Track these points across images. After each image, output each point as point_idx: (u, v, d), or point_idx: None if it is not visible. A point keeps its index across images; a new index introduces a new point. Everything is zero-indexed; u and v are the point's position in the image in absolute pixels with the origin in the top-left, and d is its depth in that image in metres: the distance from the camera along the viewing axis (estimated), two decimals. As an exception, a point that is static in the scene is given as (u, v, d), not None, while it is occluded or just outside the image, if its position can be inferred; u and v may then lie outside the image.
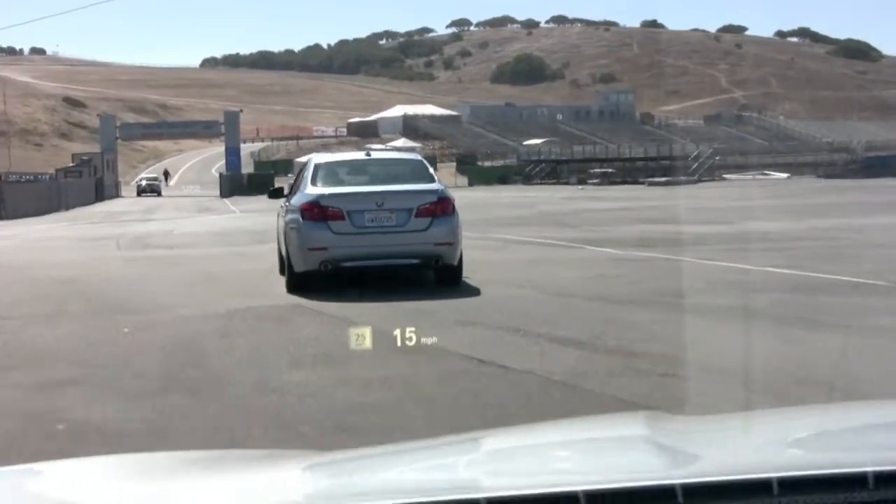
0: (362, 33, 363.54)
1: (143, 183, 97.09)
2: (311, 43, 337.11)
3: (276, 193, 19.06)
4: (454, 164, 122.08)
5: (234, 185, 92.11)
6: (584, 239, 25.03)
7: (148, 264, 21.56)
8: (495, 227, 32.18)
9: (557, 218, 37.93)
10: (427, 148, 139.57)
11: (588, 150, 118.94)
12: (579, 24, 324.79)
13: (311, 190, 15.98)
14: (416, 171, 17.21)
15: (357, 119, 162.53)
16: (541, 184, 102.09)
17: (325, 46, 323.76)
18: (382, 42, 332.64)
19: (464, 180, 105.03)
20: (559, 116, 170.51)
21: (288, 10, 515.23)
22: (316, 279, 15.43)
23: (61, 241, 31.79)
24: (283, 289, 15.53)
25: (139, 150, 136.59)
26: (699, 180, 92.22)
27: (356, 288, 15.05)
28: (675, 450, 2.64)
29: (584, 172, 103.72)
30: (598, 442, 3.03)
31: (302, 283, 15.42)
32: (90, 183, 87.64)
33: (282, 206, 17.65)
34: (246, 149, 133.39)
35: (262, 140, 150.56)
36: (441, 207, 15.93)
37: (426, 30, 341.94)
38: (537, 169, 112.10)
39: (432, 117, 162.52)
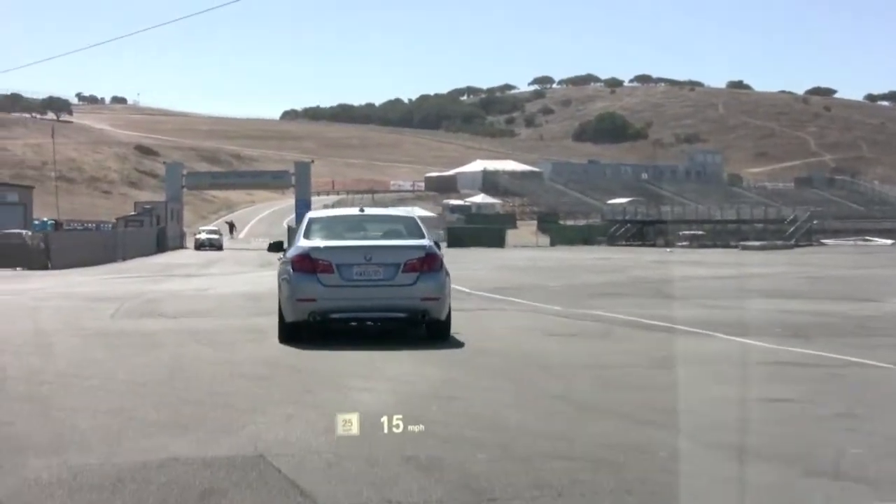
0: (444, 89, 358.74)
1: (203, 237, 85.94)
2: (392, 97, 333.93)
3: (276, 247, 18.94)
4: (535, 222, 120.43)
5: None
6: (706, 320, 18.92)
7: (118, 346, 15.85)
8: (587, 298, 26.19)
9: (657, 287, 31.86)
10: (507, 205, 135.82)
11: (677, 210, 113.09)
12: (663, 84, 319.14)
13: (303, 243, 16.50)
14: (406, 228, 17.47)
15: (435, 173, 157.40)
16: (626, 245, 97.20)
17: (405, 101, 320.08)
18: (464, 98, 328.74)
19: (545, 240, 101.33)
20: (644, 175, 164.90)
21: (370, 65, 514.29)
22: (306, 330, 15.84)
23: (60, 301, 26.36)
24: (263, 416, 9.69)
25: (210, 200, 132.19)
26: (796, 245, 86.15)
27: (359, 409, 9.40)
28: None
29: (672, 234, 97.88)
30: None
31: (292, 333, 15.85)
32: (151, 233, 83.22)
33: (279, 259, 17.82)
34: (319, 201, 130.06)
35: (337, 193, 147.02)
36: (428, 263, 16.10)
37: (508, 87, 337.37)
38: (622, 229, 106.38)
39: (513, 173, 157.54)
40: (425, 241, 16.51)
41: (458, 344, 15.77)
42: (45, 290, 31.28)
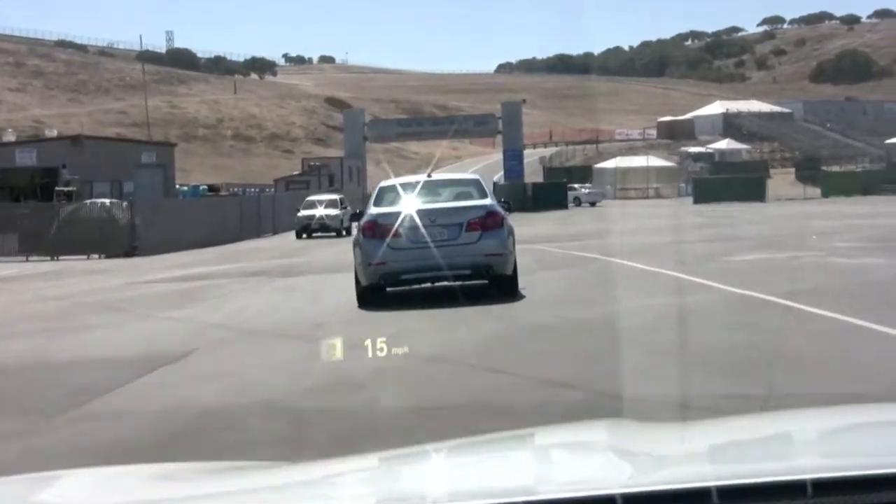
0: (666, 34, 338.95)
1: (308, 213, 47.49)
2: (612, 45, 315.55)
3: (356, 217, 19.93)
4: (792, 169, 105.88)
5: (514, 198, 68.62)
6: None
7: None
8: None
9: None
10: (755, 151, 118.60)
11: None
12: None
13: (372, 210, 17.54)
14: (470, 190, 18.32)
15: (668, 118, 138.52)
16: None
17: (626, 49, 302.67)
18: (688, 43, 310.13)
19: (812, 191, 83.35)
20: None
21: (587, 13, 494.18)
22: (379, 291, 16.95)
23: None
24: None
25: (408, 156, 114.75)
26: None
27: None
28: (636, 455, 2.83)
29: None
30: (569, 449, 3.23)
31: (368, 295, 16.82)
32: (320, 197, 66.73)
33: (354, 227, 19.57)
34: (535, 154, 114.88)
35: (556, 144, 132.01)
36: (490, 221, 16.99)
37: (735, 29, 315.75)
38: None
39: (759, 115, 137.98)
40: (487, 201, 17.50)
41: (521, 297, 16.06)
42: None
